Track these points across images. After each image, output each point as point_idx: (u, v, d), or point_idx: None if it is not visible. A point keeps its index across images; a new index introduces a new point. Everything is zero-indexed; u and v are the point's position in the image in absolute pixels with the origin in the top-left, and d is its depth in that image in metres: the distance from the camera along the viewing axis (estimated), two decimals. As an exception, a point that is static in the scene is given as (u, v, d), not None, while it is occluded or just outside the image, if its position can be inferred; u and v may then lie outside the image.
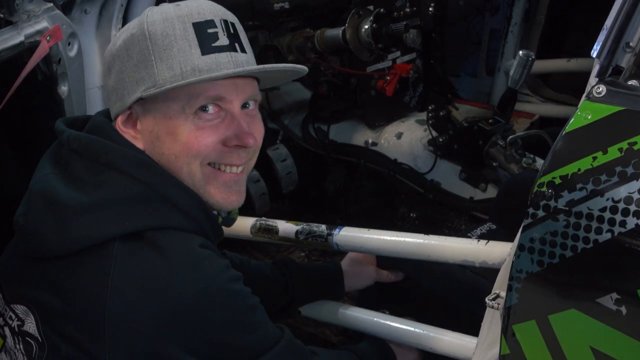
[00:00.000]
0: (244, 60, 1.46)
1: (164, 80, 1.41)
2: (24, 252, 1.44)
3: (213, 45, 1.43)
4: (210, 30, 1.43)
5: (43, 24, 1.86)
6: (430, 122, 2.72)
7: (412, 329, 1.92)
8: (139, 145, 1.47)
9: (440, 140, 2.70)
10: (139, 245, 1.36)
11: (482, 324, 1.65)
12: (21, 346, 1.43)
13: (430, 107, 2.72)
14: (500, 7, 3.70)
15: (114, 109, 1.49)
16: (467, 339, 1.83)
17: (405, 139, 2.85)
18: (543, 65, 3.55)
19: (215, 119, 1.46)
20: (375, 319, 1.98)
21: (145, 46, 1.42)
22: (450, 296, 2.02)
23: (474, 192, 2.67)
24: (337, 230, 2.02)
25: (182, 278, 1.35)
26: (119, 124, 1.48)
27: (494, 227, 2.19)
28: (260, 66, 1.47)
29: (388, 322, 1.96)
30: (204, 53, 1.42)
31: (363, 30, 2.54)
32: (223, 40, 1.44)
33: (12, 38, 1.79)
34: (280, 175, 2.86)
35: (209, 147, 1.47)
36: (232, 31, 1.46)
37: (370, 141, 2.90)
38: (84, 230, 1.36)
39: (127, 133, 1.47)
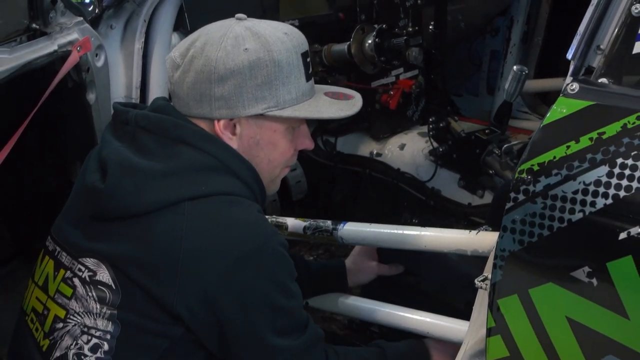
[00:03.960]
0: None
1: (284, 102, 1.67)
2: (97, 212, 1.63)
3: (309, 72, 1.73)
4: (307, 60, 1.72)
5: (74, 36, 2.04)
6: (430, 133, 2.85)
7: (411, 315, 2.06)
8: (233, 145, 1.69)
9: (440, 150, 2.83)
10: (206, 205, 1.58)
11: (473, 306, 1.78)
12: (93, 293, 1.60)
13: (430, 119, 2.86)
14: (500, 29, 3.84)
15: (214, 112, 1.66)
16: (461, 323, 1.95)
17: (407, 149, 3.00)
18: (541, 84, 3.69)
19: (303, 129, 1.80)
20: (377, 308, 2.12)
21: (272, 71, 1.64)
22: (447, 285, 2.17)
23: (472, 198, 2.81)
24: (341, 225, 2.19)
25: (244, 234, 1.58)
26: (220, 127, 1.67)
27: (490, 229, 2.32)
28: (356, 109, 1.80)
29: (388, 310, 2.10)
30: (306, 80, 1.71)
31: (367, 44, 2.70)
32: (311, 67, 1.75)
33: (46, 47, 1.96)
34: (291, 184, 3.03)
35: (295, 153, 1.81)
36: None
37: (375, 152, 3.06)
38: (160, 193, 1.57)
39: (225, 135, 1.68)
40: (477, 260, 1.92)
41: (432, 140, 2.86)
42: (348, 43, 2.72)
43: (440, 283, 2.24)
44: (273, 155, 1.75)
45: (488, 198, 2.78)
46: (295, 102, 1.69)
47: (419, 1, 3.10)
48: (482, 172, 2.71)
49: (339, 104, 1.79)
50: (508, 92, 2.49)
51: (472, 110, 3.91)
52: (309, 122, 3.01)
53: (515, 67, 2.41)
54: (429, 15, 2.88)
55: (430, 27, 2.80)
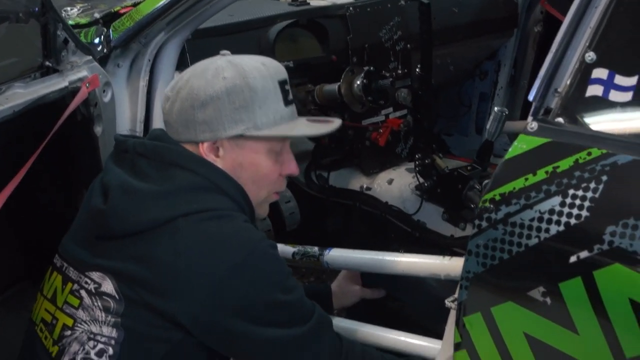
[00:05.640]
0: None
1: (262, 124, 1.80)
2: (101, 231, 1.76)
3: (288, 98, 1.85)
4: (286, 87, 1.85)
5: (83, 73, 2.15)
6: (417, 169, 2.95)
7: (389, 335, 2.18)
8: (219, 166, 1.82)
9: (426, 185, 2.93)
10: (198, 220, 1.70)
11: (446, 326, 1.91)
12: (99, 303, 1.73)
13: (417, 156, 2.95)
14: (488, 73, 4.00)
15: (198, 136, 1.81)
16: (435, 341, 2.07)
17: (395, 184, 3.11)
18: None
19: (286, 155, 1.91)
20: (359, 328, 2.23)
21: (249, 96, 1.78)
22: (424, 307, 2.30)
23: (455, 230, 2.90)
24: (327, 250, 2.34)
25: (234, 242, 1.70)
26: (204, 149, 1.82)
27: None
28: (330, 128, 1.96)
29: (369, 330, 2.21)
30: (285, 105, 1.84)
31: (355, 85, 2.85)
32: (290, 94, 1.87)
33: (58, 83, 2.08)
34: (285, 215, 3.13)
35: (280, 178, 1.92)
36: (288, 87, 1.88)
37: (365, 186, 3.17)
38: (157, 212, 1.70)
39: (209, 157, 1.82)
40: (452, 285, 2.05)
41: (418, 175, 2.96)
42: (338, 84, 2.87)
43: (419, 305, 2.38)
44: (257, 177, 1.86)
45: (469, 230, 2.81)
46: (273, 124, 1.82)
47: (408, 45, 3.25)
48: (464, 206, 2.80)
49: (316, 125, 1.95)
50: (489, 132, 2.58)
51: (461, 150, 4.02)
52: (303, 156, 3.20)
53: (495, 109, 2.44)
54: (418, 58, 3.00)
55: (417, 69, 2.92)
